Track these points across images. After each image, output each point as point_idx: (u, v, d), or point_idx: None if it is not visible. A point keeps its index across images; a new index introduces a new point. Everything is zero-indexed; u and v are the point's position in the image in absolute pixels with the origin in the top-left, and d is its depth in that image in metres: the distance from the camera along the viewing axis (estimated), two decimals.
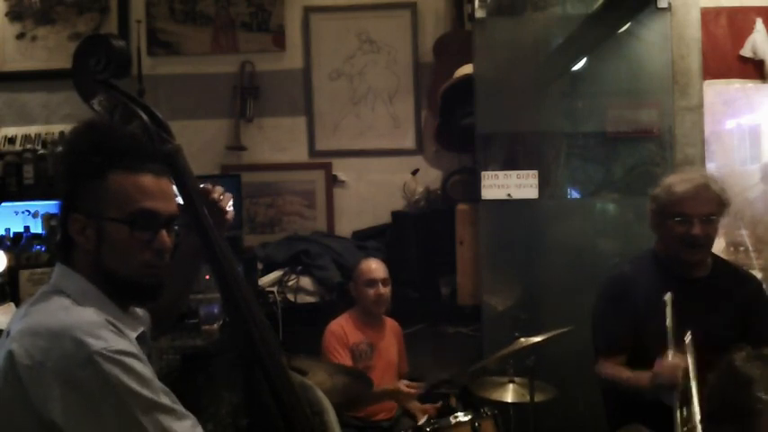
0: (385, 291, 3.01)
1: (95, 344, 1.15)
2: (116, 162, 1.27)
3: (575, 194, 3.42)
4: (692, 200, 2.21)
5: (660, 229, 2.31)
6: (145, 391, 1.16)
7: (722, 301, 2.27)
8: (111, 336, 1.19)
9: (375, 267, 3.03)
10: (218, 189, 1.54)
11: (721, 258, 2.44)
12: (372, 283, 2.99)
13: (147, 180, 1.29)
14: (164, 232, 1.31)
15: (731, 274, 2.38)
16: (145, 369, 1.18)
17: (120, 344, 1.18)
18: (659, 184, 2.33)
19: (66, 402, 1.12)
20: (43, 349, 1.15)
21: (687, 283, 2.27)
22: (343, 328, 2.98)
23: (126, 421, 1.14)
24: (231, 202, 1.56)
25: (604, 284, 2.42)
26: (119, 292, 1.30)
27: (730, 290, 2.31)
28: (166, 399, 1.19)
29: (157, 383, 1.19)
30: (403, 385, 2.87)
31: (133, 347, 1.22)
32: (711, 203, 2.22)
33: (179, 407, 1.21)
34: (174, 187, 1.40)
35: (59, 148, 3.63)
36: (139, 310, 1.49)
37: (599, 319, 2.39)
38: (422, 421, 2.84)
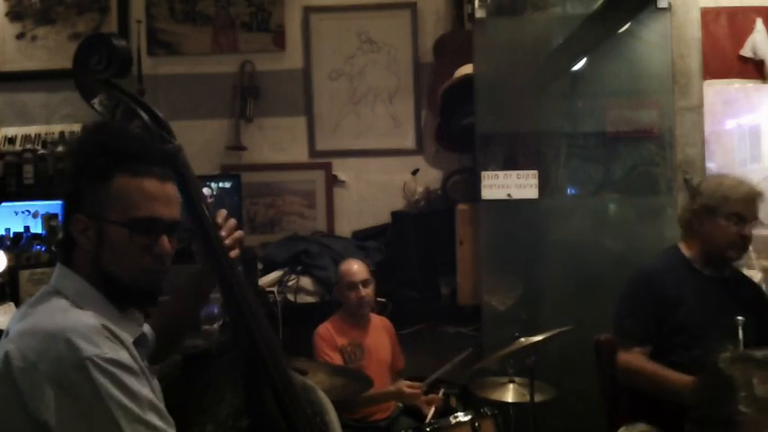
0: (366, 292, 2.97)
1: (88, 349, 1.15)
2: (121, 165, 1.27)
3: (575, 194, 3.42)
4: (751, 202, 2.29)
5: (704, 226, 2.33)
6: (131, 405, 1.15)
7: (741, 302, 2.34)
8: (106, 342, 1.18)
9: (355, 270, 2.99)
10: (221, 212, 1.48)
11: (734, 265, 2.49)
12: (353, 286, 2.96)
13: (151, 184, 1.29)
14: (164, 238, 1.30)
15: (746, 281, 2.50)
16: (134, 381, 1.18)
17: (113, 352, 1.18)
18: (706, 183, 2.40)
19: (58, 404, 1.12)
20: (37, 350, 1.15)
21: (711, 282, 2.35)
22: (330, 331, 2.97)
23: (111, 430, 1.14)
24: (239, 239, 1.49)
25: (633, 276, 2.44)
26: (117, 295, 1.30)
27: (746, 294, 2.40)
28: (152, 415, 1.18)
29: (145, 397, 1.18)
30: (404, 386, 2.86)
31: (126, 356, 1.21)
32: (758, 209, 2.32)
33: (163, 423, 1.20)
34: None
35: (59, 148, 3.63)
36: (146, 327, 1.49)
37: (624, 309, 2.40)
38: (430, 414, 2.83)
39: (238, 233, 1.49)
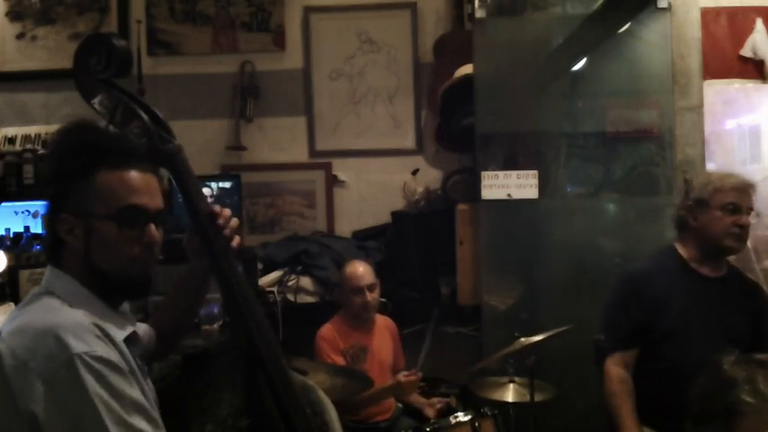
0: (372, 297, 2.90)
1: (77, 346, 1.15)
2: (102, 160, 1.28)
3: (575, 194, 3.42)
4: (741, 191, 2.29)
5: (698, 220, 2.33)
6: (115, 405, 1.15)
7: (737, 302, 2.34)
8: (95, 340, 1.19)
9: (360, 274, 2.91)
10: (226, 213, 1.47)
11: (731, 264, 2.47)
12: (358, 290, 2.89)
13: (133, 176, 1.30)
14: (152, 226, 1.32)
15: (743, 280, 2.46)
16: (121, 381, 1.18)
17: (103, 350, 1.18)
18: (697, 178, 2.40)
19: (48, 401, 1.13)
20: (28, 348, 1.16)
21: (706, 282, 2.33)
22: (333, 333, 2.92)
23: (97, 427, 1.14)
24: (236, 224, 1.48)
25: (619, 279, 2.43)
26: (109, 290, 1.31)
27: (743, 293, 2.38)
28: (137, 417, 1.18)
29: (131, 398, 1.18)
30: (401, 376, 2.79)
31: (115, 355, 1.21)
32: (752, 198, 2.32)
33: (148, 426, 1.19)
34: (176, 186, 1.41)
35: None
36: (141, 325, 1.49)
37: (610, 314, 2.41)
38: (434, 415, 2.81)
39: (235, 221, 1.48)
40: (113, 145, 1.32)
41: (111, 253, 1.29)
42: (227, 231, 1.44)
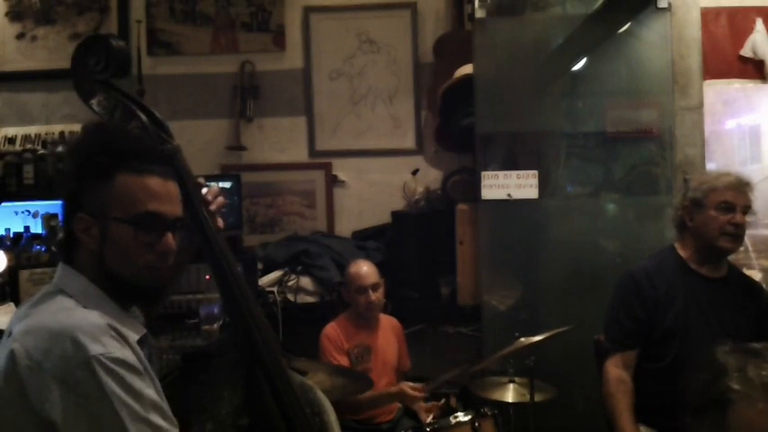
0: (376, 296, 2.92)
1: (94, 348, 1.15)
2: (123, 163, 1.28)
3: (575, 194, 3.42)
4: (736, 190, 2.28)
5: (695, 220, 2.32)
6: (134, 404, 1.15)
7: (738, 301, 2.33)
8: (112, 342, 1.19)
9: (364, 273, 2.93)
10: (213, 190, 1.52)
11: (732, 263, 2.46)
12: (362, 290, 2.91)
13: (154, 182, 1.29)
14: (168, 235, 1.31)
15: (744, 280, 2.45)
16: (139, 381, 1.18)
17: (119, 352, 1.18)
18: (694, 180, 2.39)
19: (64, 402, 1.13)
20: (43, 349, 1.15)
21: (706, 282, 2.33)
22: (338, 332, 2.94)
23: (116, 428, 1.14)
24: (222, 205, 1.53)
25: (620, 279, 2.43)
26: (120, 293, 1.30)
27: (744, 293, 2.38)
28: (155, 415, 1.18)
29: (149, 397, 1.19)
30: (407, 387, 2.83)
31: (131, 356, 1.21)
32: (749, 197, 2.30)
33: (166, 424, 1.20)
34: None
35: (59, 148, 3.63)
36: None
37: (610, 314, 2.41)
38: (428, 421, 2.82)
39: (221, 199, 1.53)
40: (136, 148, 1.31)
41: (125, 257, 1.28)
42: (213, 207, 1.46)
